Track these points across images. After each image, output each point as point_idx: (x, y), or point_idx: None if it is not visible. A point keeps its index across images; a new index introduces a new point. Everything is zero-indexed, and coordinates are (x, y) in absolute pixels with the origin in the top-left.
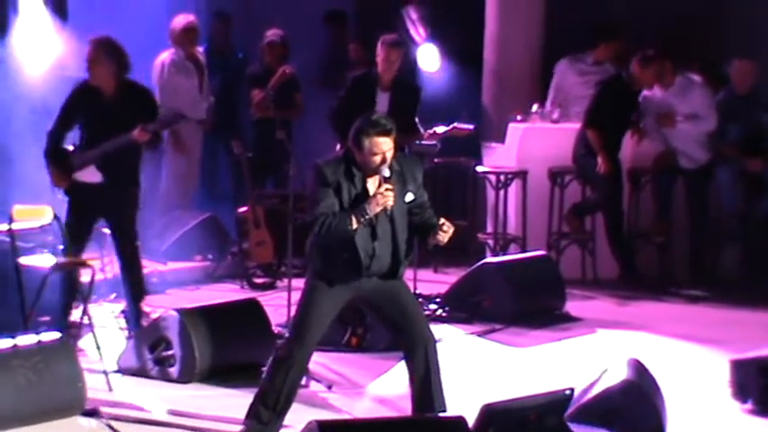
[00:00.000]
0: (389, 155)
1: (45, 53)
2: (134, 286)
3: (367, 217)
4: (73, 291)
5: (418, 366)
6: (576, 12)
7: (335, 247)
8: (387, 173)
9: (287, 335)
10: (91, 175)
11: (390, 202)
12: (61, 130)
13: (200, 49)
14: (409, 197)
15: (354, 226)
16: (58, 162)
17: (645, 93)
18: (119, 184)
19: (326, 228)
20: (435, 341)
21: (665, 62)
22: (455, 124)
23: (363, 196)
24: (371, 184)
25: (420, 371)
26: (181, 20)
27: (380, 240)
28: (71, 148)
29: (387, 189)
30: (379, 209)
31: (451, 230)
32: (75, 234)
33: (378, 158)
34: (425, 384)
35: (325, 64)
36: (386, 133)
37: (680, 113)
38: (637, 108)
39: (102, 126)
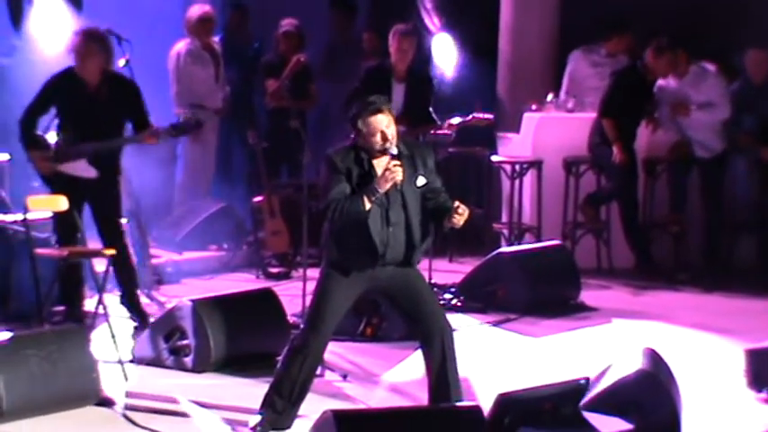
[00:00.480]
0: (390, 132)
1: (60, 43)
2: (126, 277)
3: (378, 195)
4: (83, 279)
5: (435, 356)
6: (590, 1)
7: (350, 235)
8: (394, 150)
9: (302, 325)
10: (83, 169)
11: (399, 177)
12: (36, 113)
13: (216, 39)
14: (420, 181)
15: (367, 206)
16: (38, 147)
17: (659, 82)
18: (105, 174)
19: (339, 211)
20: (452, 331)
21: (678, 51)
22: (474, 114)
23: (374, 180)
24: (380, 167)
25: (436, 361)
26: (197, 10)
27: (394, 226)
28: (52, 137)
29: (394, 165)
30: (388, 185)
31: (467, 213)
32: (64, 226)
33: (378, 137)
34: (442, 374)
35: (331, 53)
36: (378, 111)
37: (694, 102)
38: (652, 98)
39: (84, 117)
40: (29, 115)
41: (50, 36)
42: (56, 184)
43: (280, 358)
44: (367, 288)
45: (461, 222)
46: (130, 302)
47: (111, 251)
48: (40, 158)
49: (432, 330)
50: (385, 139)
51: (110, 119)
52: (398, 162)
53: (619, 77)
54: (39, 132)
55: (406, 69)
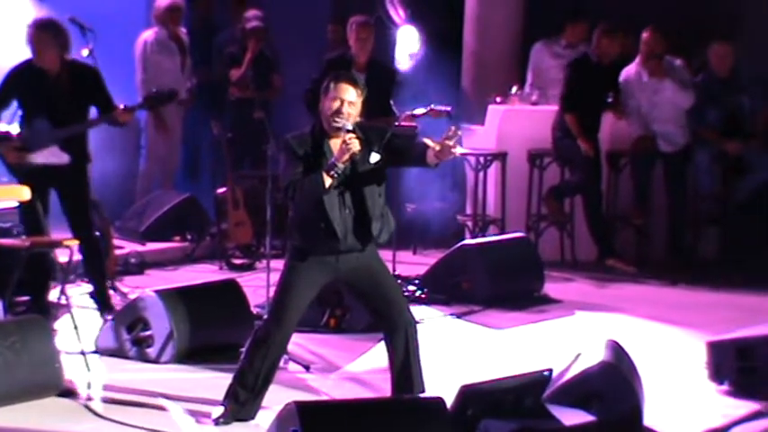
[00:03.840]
0: (348, 109)
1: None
2: (95, 269)
3: (337, 169)
4: (48, 270)
5: (398, 349)
6: None
7: (311, 220)
8: (349, 126)
9: (265, 316)
10: (55, 156)
11: (356, 148)
12: None
13: (184, 29)
14: (374, 157)
15: (327, 182)
16: (3, 138)
17: (627, 73)
18: (77, 163)
19: (299, 191)
20: (416, 324)
21: (629, 35)
22: (432, 106)
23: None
24: (336, 147)
25: (400, 354)
26: None
27: (351, 208)
28: (12, 127)
29: (350, 138)
30: (346, 156)
31: (459, 133)
32: (31, 217)
33: (337, 103)
34: (405, 367)
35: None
36: (353, 83)
37: (664, 96)
38: (612, 85)
39: (48, 106)
40: None
41: (12, 26)
42: (23, 173)
43: (243, 349)
44: (330, 279)
45: (454, 143)
46: (99, 295)
47: (74, 241)
48: (6, 148)
49: (396, 322)
50: (339, 111)
51: (73, 106)
52: (354, 135)
53: (572, 68)
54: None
55: (367, 60)
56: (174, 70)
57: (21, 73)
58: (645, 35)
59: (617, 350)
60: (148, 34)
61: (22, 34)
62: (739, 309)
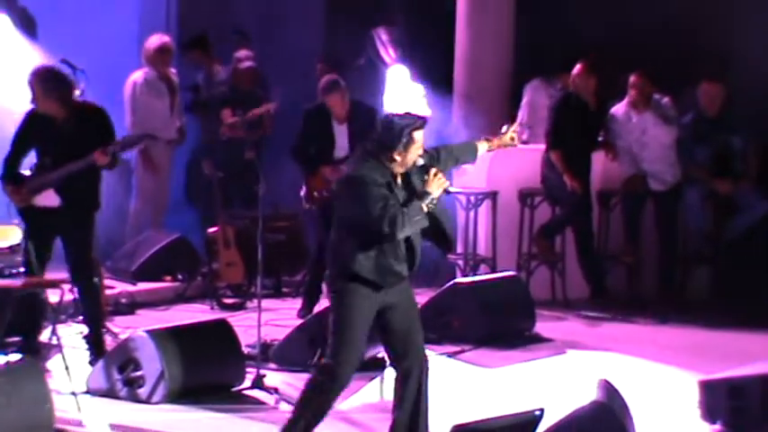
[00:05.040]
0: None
1: (14, 72)
2: (92, 314)
3: (433, 200)
4: (41, 311)
5: (409, 391)
6: (545, 34)
7: (385, 250)
8: (420, 161)
9: (326, 359)
10: (48, 198)
11: (447, 184)
12: (16, 157)
13: (173, 70)
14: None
15: (426, 210)
16: (13, 181)
17: (615, 112)
18: (78, 206)
19: (401, 224)
20: (428, 365)
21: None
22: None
23: (405, 192)
24: (400, 182)
25: (410, 396)
26: (155, 40)
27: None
28: (27, 172)
29: (436, 171)
30: (440, 190)
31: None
32: (36, 258)
33: (420, 150)
34: (415, 410)
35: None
36: (423, 126)
37: (653, 136)
38: (598, 123)
39: (59, 151)
40: (9, 161)
41: (4, 66)
42: (29, 216)
43: (299, 395)
44: (378, 311)
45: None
46: (93, 340)
47: (65, 283)
48: (12, 191)
49: (413, 363)
50: (423, 148)
51: (77, 149)
52: (436, 170)
53: (555, 109)
54: (22, 171)
55: (347, 113)
56: (163, 110)
57: (31, 119)
58: (632, 78)
59: (609, 389)
60: (138, 75)
61: (17, 74)
62: (731, 348)
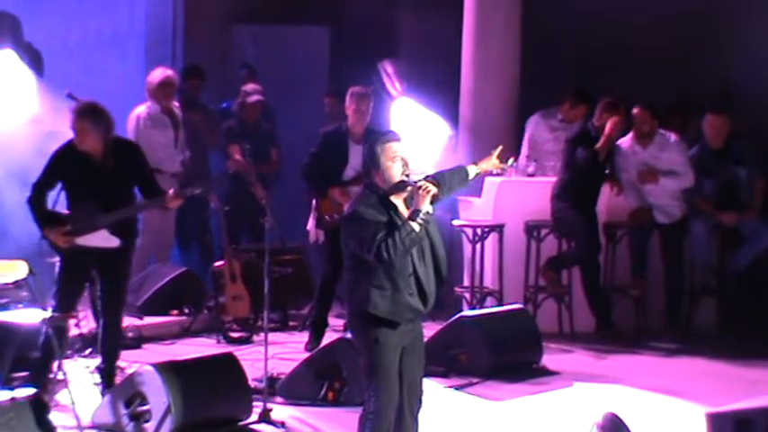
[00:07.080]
0: (409, 161)
1: (22, 108)
2: (111, 348)
3: (421, 214)
4: (51, 347)
5: (407, 427)
6: (549, 67)
7: (397, 280)
8: (414, 179)
9: (371, 405)
10: (104, 240)
11: (434, 189)
12: (44, 186)
13: (176, 103)
14: (429, 207)
15: (416, 228)
16: (53, 223)
17: (622, 147)
18: (125, 243)
19: (392, 246)
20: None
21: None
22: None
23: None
24: (401, 204)
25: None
26: (158, 74)
27: (426, 264)
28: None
29: (420, 186)
30: (427, 200)
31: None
32: (67, 296)
33: (398, 163)
34: None
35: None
36: (395, 140)
37: (659, 170)
38: (608, 158)
39: (95, 189)
40: (36, 192)
41: (12, 101)
42: (69, 254)
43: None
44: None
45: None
46: (107, 373)
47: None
48: (56, 234)
49: (413, 402)
50: (405, 165)
51: (119, 188)
52: (426, 183)
53: (573, 142)
54: (49, 208)
55: (364, 131)
56: (166, 144)
57: (64, 155)
58: (635, 111)
59: (616, 422)
60: (141, 110)
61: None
62: (738, 380)
